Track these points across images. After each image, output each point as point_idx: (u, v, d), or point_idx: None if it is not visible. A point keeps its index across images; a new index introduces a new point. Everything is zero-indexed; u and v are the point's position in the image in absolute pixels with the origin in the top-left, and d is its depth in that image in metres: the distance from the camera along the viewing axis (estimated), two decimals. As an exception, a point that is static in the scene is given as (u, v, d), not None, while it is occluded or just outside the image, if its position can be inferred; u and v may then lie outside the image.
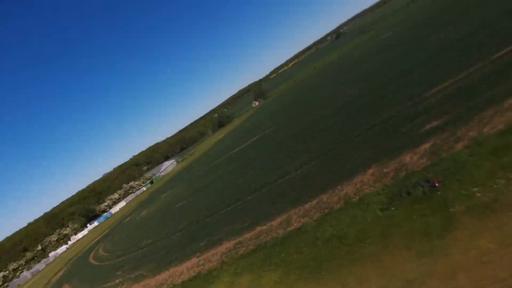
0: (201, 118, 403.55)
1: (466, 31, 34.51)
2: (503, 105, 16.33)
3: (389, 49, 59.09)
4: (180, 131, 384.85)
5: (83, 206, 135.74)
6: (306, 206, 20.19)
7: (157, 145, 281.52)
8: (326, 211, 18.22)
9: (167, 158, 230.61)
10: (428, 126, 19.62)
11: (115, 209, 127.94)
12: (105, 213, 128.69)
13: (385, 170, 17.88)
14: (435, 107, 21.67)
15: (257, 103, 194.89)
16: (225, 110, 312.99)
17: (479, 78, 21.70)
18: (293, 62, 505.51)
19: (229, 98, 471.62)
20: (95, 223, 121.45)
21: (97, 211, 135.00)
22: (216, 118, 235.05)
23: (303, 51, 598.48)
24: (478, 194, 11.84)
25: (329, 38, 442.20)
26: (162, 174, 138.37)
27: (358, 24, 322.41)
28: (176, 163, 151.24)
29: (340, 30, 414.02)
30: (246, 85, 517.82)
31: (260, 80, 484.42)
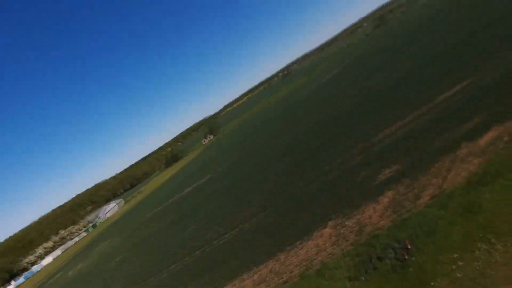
0: (153, 153, 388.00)
1: (413, 68, 37.35)
2: (460, 151, 15.44)
3: (332, 90, 62.36)
4: (131, 166, 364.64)
5: (6, 260, 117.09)
6: (261, 271, 17.59)
7: (104, 182, 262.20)
8: (283, 279, 15.65)
9: (114, 197, 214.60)
10: (383, 175, 18.42)
11: (48, 260, 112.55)
12: (35, 266, 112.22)
13: (344, 230, 15.97)
14: (387, 153, 20.81)
15: (210, 137, 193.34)
16: (179, 144, 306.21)
17: (429, 120, 21.59)
18: (246, 97, 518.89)
19: (184, 131, 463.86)
20: (20, 280, 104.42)
21: (23, 266, 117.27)
22: (169, 153, 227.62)
23: (256, 87, 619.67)
24: (460, 263, 10.14)
25: (279, 75, 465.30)
26: (106, 215, 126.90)
27: (308, 63, 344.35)
28: (123, 202, 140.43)
29: (290, 68, 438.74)
30: (201, 118, 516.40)
31: (214, 115, 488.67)
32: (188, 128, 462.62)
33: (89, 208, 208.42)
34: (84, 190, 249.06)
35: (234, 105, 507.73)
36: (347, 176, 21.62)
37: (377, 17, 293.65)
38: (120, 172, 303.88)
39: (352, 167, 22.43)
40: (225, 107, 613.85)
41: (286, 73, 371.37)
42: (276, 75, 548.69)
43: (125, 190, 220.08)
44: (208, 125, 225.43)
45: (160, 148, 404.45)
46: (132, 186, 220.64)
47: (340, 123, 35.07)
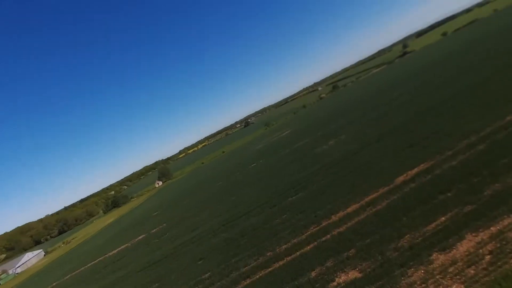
0: (94, 195, 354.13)
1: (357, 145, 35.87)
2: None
3: (279, 154, 60.46)
4: (66, 208, 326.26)
5: None
6: None
7: (28, 226, 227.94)
8: None
9: (38, 244, 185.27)
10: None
11: None
12: None
13: None
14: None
15: (160, 183, 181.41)
16: (124, 187, 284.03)
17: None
18: (203, 144, 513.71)
19: (133, 173, 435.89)
20: None
21: None
22: (111, 197, 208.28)
23: (214, 134, 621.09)
24: None
25: (238, 125, 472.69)
26: (17, 270, 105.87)
27: (266, 117, 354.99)
28: (43, 254, 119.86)
29: (249, 120, 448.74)
30: (153, 162, 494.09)
31: (168, 159, 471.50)
32: (138, 170, 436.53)
33: (3, 256, 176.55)
34: (2, 233, 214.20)
35: (190, 151, 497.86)
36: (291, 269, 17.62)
37: (332, 82, 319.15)
38: (51, 215, 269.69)
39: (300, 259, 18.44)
40: (182, 151, 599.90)
41: (245, 123, 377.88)
42: (235, 124, 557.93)
43: (52, 237, 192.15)
44: (160, 170, 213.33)
45: (104, 190, 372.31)
46: (60, 232, 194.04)
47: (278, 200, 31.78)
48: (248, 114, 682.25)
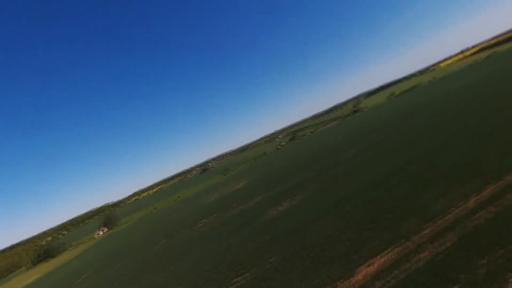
0: (24, 242, 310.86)
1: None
2: None
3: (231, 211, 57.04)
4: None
5: None
6: None
7: None
8: None
9: None
10: None
11: None
12: None
13: None
14: None
15: (101, 232, 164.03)
16: (60, 236, 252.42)
17: None
18: (158, 187, 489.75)
19: (74, 219, 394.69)
20: None
21: None
22: (42, 247, 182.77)
23: (171, 178, 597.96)
24: None
25: (198, 169, 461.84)
26: None
27: (226, 162, 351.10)
28: None
29: (209, 164, 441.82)
30: (100, 205, 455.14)
31: (119, 202, 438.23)
32: (81, 215, 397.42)
33: None
34: None
35: (144, 194, 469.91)
36: None
37: (291, 132, 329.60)
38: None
39: None
40: (136, 193, 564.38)
41: (203, 169, 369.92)
42: (194, 168, 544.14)
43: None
44: (105, 215, 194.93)
45: (38, 236, 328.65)
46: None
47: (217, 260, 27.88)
48: (209, 158, 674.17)
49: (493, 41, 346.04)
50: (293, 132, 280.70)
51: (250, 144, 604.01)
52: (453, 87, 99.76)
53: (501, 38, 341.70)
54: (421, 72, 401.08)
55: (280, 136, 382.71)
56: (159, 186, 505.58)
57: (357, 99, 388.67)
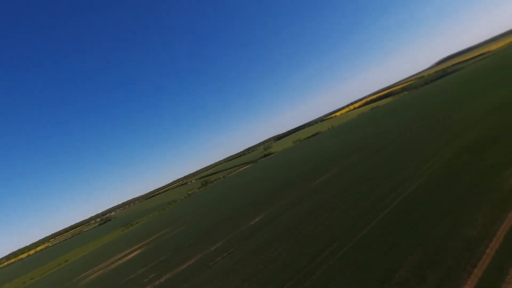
0: None
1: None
2: None
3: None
4: None
5: None
6: None
7: None
8: None
9: None
10: None
11: None
12: None
13: None
14: None
15: None
16: None
17: None
18: (44, 245, 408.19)
19: None
20: None
21: None
22: None
23: (64, 231, 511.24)
24: None
25: (94, 221, 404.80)
26: None
27: (129, 211, 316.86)
28: None
29: (111, 213, 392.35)
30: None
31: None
32: None
33: None
34: None
35: (23, 256, 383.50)
36: None
37: (203, 177, 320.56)
38: None
39: None
40: (14, 253, 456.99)
41: (104, 220, 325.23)
42: (94, 218, 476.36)
43: None
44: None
45: None
46: None
47: None
48: (112, 206, 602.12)
49: (375, 96, 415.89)
50: (205, 178, 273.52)
51: (160, 189, 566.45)
52: (345, 137, 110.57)
53: (381, 94, 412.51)
54: (321, 120, 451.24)
55: (192, 181, 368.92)
56: (47, 243, 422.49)
57: (267, 142, 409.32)
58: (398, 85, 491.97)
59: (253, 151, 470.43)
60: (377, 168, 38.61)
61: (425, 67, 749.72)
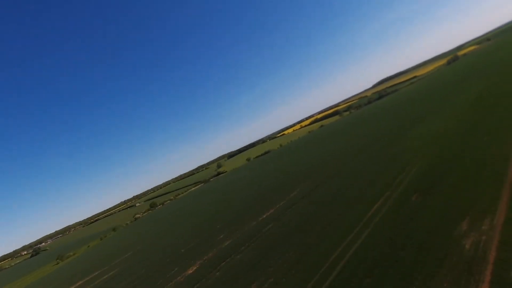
0: None
1: None
2: None
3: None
4: None
5: None
6: None
7: None
8: None
9: None
10: None
11: None
12: None
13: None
14: None
15: None
16: None
17: None
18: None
19: None
20: None
21: None
22: None
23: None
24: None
25: (24, 253, 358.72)
26: None
27: (67, 239, 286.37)
28: None
29: (43, 244, 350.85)
30: None
31: None
32: None
33: None
34: None
35: None
36: None
37: (151, 198, 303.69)
38: None
39: None
40: None
41: (35, 251, 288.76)
42: (22, 250, 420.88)
43: None
44: None
45: None
46: None
47: None
48: (45, 235, 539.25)
49: (322, 114, 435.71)
50: (153, 200, 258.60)
51: (104, 212, 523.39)
52: (295, 156, 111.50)
53: (328, 112, 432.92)
54: (273, 137, 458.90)
55: (137, 204, 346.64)
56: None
57: (220, 160, 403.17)
58: (343, 104, 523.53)
59: (206, 168, 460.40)
60: (315, 216, 36.24)
61: (367, 87, 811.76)
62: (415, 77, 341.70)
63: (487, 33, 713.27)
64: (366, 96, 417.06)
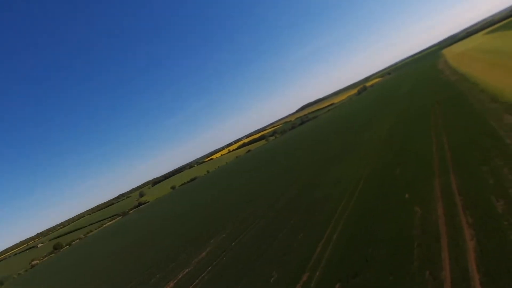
0: None
1: None
2: None
3: None
4: None
5: None
6: None
7: None
8: None
9: None
10: None
11: None
12: None
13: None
14: None
15: None
16: None
17: None
18: None
19: None
20: None
21: None
22: None
23: None
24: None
25: None
26: None
27: None
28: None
29: None
30: None
31: None
32: None
33: None
34: None
35: None
36: None
37: (56, 237, 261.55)
38: None
39: None
40: None
41: None
42: None
43: None
44: None
45: None
46: None
47: None
48: None
49: (248, 139, 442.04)
50: (57, 240, 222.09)
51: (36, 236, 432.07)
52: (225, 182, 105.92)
53: (255, 136, 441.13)
54: (200, 162, 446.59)
55: (40, 244, 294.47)
56: None
57: (141, 189, 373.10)
58: (270, 128, 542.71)
59: (127, 197, 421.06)
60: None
61: (291, 112, 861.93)
62: (332, 104, 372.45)
63: (388, 67, 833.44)
64: (290, 120, 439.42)
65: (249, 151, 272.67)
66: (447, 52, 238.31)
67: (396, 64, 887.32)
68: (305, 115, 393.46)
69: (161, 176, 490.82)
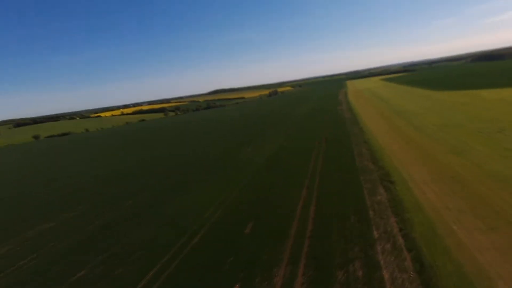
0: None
1: None
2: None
3: None
4: None
5: None
6: None
7: None
8: None
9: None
10: None
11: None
12: None
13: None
14: None
15: None
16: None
17: None
18: None
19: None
20: None
21: None
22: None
23: None
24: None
25: None
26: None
27: None
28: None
29: None
30: None
31: None
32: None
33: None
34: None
35: None
36: None
37: None
38: None
39: None
40: None
41: None
42: None
43: None
44: None
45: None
46: None
47: None
48: None
49: (147, 107, 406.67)
50: None
51: None
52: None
53: (155, 106, 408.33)
54: (83, 116, 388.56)
55: None
56: None
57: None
58: (174, 102, 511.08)
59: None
60: None
61: (203, 92, 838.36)
62: (242, 98, 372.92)
63: (302, 80, 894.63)
64: (199, 101, 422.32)
65: (143, 120, 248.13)
66: (350, 84, 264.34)
67: (309, 79, 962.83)
68: (213, 100, 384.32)
69: (28, 119, 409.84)
